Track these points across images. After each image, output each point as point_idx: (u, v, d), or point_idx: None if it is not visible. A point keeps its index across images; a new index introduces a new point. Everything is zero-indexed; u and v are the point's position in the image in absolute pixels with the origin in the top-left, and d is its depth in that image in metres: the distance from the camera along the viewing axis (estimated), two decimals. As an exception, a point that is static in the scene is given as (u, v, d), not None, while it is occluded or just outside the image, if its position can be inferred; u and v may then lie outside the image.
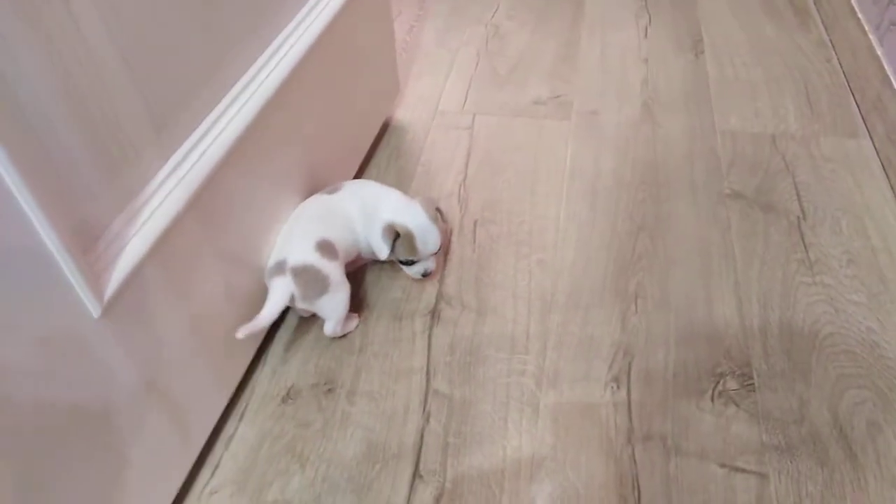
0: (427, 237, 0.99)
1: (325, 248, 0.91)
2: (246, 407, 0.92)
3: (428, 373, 0.95)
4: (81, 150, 0.60)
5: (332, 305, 0.93)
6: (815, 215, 1.15)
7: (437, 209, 1.02)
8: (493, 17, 1.71)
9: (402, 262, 1.03)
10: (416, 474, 0.84)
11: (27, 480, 0.58)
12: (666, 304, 1.02)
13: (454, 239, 1.14)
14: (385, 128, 1.37)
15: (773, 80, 1.46)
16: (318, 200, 0.99)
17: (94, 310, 0.62)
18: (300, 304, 0.91)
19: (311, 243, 0.90)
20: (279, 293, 0.87)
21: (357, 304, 1.03)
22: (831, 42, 1.55)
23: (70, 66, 0.57)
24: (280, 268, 0.88)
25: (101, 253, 0.64)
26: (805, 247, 1.10)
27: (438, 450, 0.87)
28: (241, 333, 0.82)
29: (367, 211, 0.99)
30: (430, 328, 1.01)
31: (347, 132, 1.15)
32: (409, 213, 0.98)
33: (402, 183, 1.24)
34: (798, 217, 1.15)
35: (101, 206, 0.64)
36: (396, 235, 0.97)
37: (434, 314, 1.03)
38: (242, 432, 0.89)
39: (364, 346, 0.99)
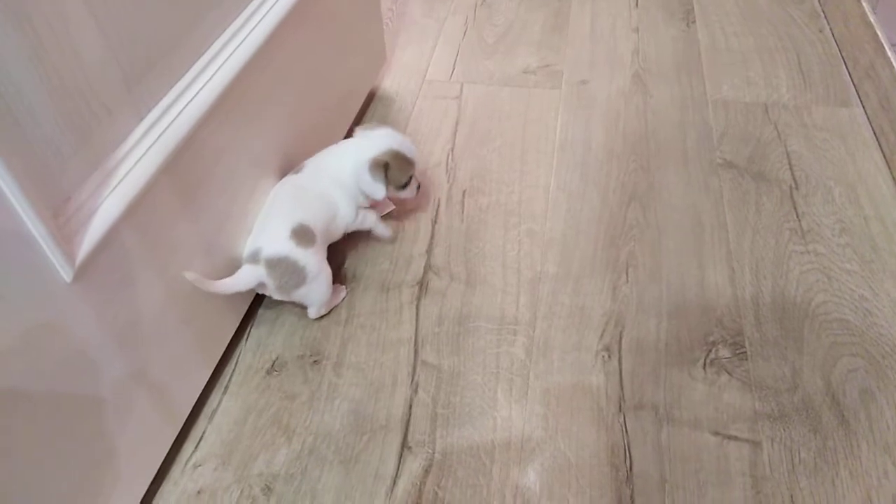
0: (407, 144, 0.97)
1: (301, 234, 0.87)
2: (230, 379, 0.90)
3: (416, 344, 0.93)
4: (48, 108, 0.57)
5: (313, 294, 0.90)
6: (807, 184, 1.14)
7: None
8: (481, -14, 1.67)
9: (402, 188, 0.99)
10: (404, 445, 0.83)
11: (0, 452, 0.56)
12: (657, 274, 1.01)
13: (442, 208, 1.12)
14: (371, 97, 1.34)
15: (765, 50, 1.43)
16: (289, 182, 0.93)
17: (66, 274, 0.59)
18: (277, 296, 0.89)
19: (286, 231, 0.86)
20: (243, 280, 0.84)
21: (343, 275, 1.01)
22: (824, 12, 1.53)
23: (32, 13, 0.53)
24: (254, 257, 0.85)
25: (72, 215, 0.61)
26: (797, 216, 1.09)
27: (427, 421, 0.85)
28: (190, 275, 0.76)
29: (341, 175, 0.94)
30: (418, 299, 0.99)
31: (332, 100, 1.12)
32: (376, 141, 0.96)
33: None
34: (790, 186, 1.13)
35: (71, 166, 0.61)
36: (386, 166, 0.93)
37: (422, 285, 1.01)
38: (227, 405, 0.87)
39: (351, 317, 0.97)
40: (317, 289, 0.89)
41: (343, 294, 0.98)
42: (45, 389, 0.60)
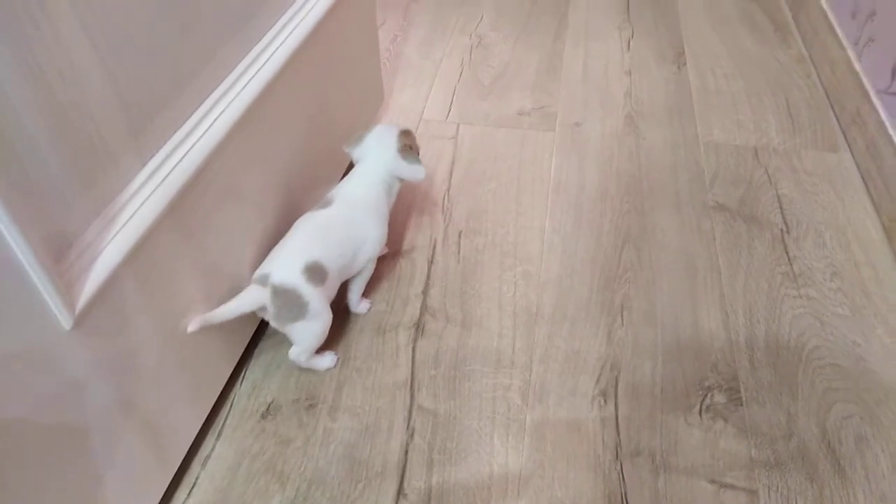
0: (401, 126, 1.03)
1: (314, 271, 0.86)
2: (224, 423, 0.89)
3: (412, 387, 0.93)
4: (53, 154, 0.57)
5: (305, 334, 0.89)
6: (798, 228, 1.15)
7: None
8: (476, 27, 1.70)
9: (416, 158, 1.02)
10: (400, 492, 0.82)
11: (-10, 504, 0.55)
12: (652, 317, 1.02)
13: (438, 248, 1.12)
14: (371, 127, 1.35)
15: (755, 94, 1.47)
16: (316, 216, 0.93)
17: (66, 321, 0.59)
18: (273, 323, 0.88)
19: (301, 264, 0.86)
20: (249, 300, 0.84)
21: (340, 315, 1.01)
22: (811, 57, 1.57)
23: (44, 65, 0.54)
24: (263, 280, 0.85)
25: (74, 261, 0.61)
26: (789, 259, 1.10)
27: (423, 467, 0.84)
28: (192, 326, 0.77)
29: (372, 191, 0.97)
30: (415, 341, 0.99)
31: (330, 140, 1.13)
32: (384, 138, 1.00)
33: (385, 193, 1.21)
34: (782, 229, 1.15)
35: (75, 212, 0.61)
36: (411, 139, 1.02)
37: (418, 327, 1.01)
38: (220, 451, 0.86)
39: (347, 359, 0.96)
40: (312, 328, 0.89)
41: (328, 363, 0.95)
42: (37, 432, 0.59)
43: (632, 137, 1.36)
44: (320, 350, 0.93)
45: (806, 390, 0.92)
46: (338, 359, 0.96)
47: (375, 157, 0.99)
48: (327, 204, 0.95)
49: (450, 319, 1.02)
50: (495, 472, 0.84)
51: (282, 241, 0.90)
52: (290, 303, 0.85)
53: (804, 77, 1.52)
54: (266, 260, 0.88)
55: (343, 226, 0.93)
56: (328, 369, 0.95)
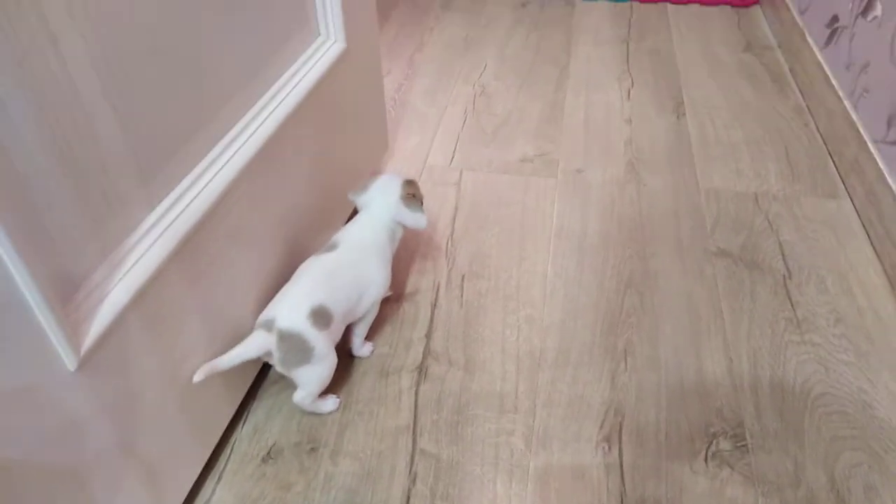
0: (405, 177, 1.05)
1: (320, 315, 0.87)
2: (225, 467, 0.88)
3: (414, 432, 0.92)
4: (64, 199, 0.58)
5: (310, 377, 0.88)
6: (800, 274, 1.16)
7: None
8: (480, 77, 1.74)
9: (420, 206, 1.04)
10: (401, 540, 0.80)
11: (-14, 547, 0.54)
12: (656, 362, 1.01)
13: (442, 292, 1.13)
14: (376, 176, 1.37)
15: (754, 142, 1.49)
16: (322, 260, 0.94)
17: (70, 362, 0.59)
18: (278, 368, 0.88)
19: (306, 309, 0.86)
20: (254, 346, 0.84)
21: (343, 358, 1.01)
22: (808, 107, 1.60)
23: (59, 114, 0.56)
24: (268, 325, 0.85)
25: (81, 303, 0.62)
26: (792, 305, 1.10)
27: (425, 514, 0.83)
28: (198, 376, 0.77)
29: (376, 235, 0.99)
30: (418, 385, 0.98)
31: (336, 186, 1.15)
32: (389, 186, 1.02)
33: (389, 237, 1.23)
34: (784, 275, 1.16)
35: (83, 254, 0.62)
36: (415, 189, 1.03)
37: (421, 370, 1.00)
38: (220, 495, 0.85)
39: (349, 403, 0.96)
40: (318, 372, 0.89)
41: (332, 406, 0.95)
42: (37, 472, 0.59)
43: (633, 184, 1.38)
44: (323, 393, 0.93)
45: (813, 437, 0.91)
46: (340, 402, 0.95)
47: (380, 203, 1.01)
48: (332, 248, 0.96)
49: (453, 363, 1.01)
50: (498, 520, 0.82)
51: (286, 286, 0.91)
52: (296, 347, 0.85)
53: (802, 126, 1.54)
54: (270, 304, 0.89)
55: (348, 269, 0.94)
56: (331, 412, 0.94)
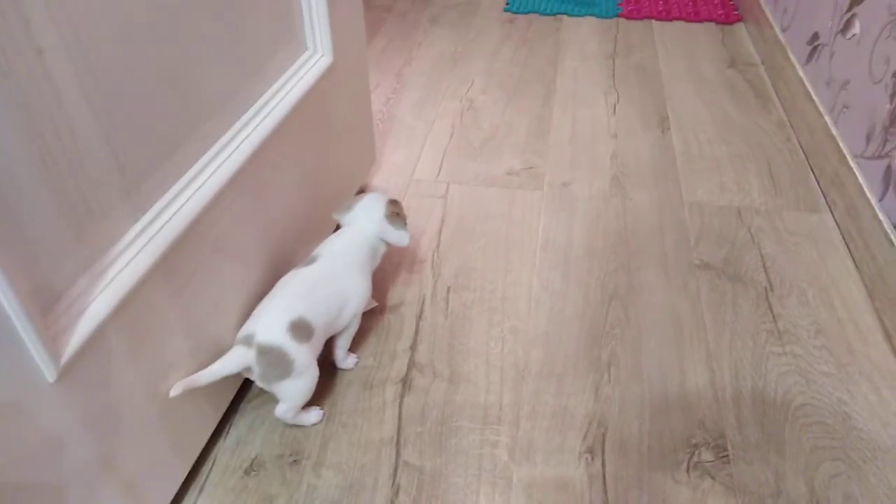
0: (389, 196, 1.06)
1: (299, 329, 0.87)
2: (206, 479, 0.88)
3: (398, 443, 0.92)
4: (46, 209, 0.59)
5: (292, 391, 0.88)
6: (781, 287, 1.17)
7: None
8: (467, 91, 1.76)
9: (404, 226, 1.05)
10: (383, 552, 0.80)
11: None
12: (639, 374, 1.02)
13: (427, 304, 1.13)
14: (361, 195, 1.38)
15: (737, 157, 1.51)
16: (300, 274, 0.94)
17: (50, 374, 0.59)
18: (259, 383, 0.88)
19: (286, 322, 0.86)
20: (233, 361, 0.84)
21: (327, 370, 1.01)
22: (790, 123, 1.63)
23: (42, 125, 0.57)
24: (247, 340, 0.85)
25: (61, 314, 0.62)
26: (774, 317, 1.11)
27: (407, 526, 0.83)
28: (175, 390, 0.77)
29: (357, 251, 1.00)
30: (401, 397, 0.98)
31: (322, 197, 1.16)
32: (373, 202, 1.04)
33: (375, 249, 1.23)
34: (766, 288, 1.17)
35: (64, 265, 0.62)
36: (398, 208, 1.04)
37: (405, 382, 1.01)
38: (201, 507, 0.85)
39: (332, 414, 0.96)
40: (299, 386, 0.89)
41: (315, 418, 0.94)
42: (14, 483, 0.58)
43: (618, 198, 1.39)
44: (306, 405, 0.93)
45: (793, 448, 0.92)
46: (323, 414, 0.95)
47: (363, 220, 1.02)
48: (312, 261, 0.97)
49: (437, 375, 1.02)
50: (480, 532, 0.82)
51: (265, 299, 0.91)
52: (276, 362, 0.85)
53: (784, 141, 1.57)
54: (250, 319, 0.89)
55: (327, 282, 0.94)
56: (314, 424, 0.94)
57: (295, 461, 0.90)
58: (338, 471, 0.89)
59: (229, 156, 0.84)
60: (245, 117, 0.89)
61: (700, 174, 1.46)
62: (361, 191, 1.39)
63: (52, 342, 0.59)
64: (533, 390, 1.00)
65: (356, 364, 1.03)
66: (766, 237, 1.28)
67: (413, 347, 1.06)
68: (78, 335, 0.62)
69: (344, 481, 0.88)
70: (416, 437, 0.93)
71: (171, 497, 0.82)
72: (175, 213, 0.75)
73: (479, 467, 0.89)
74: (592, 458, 0.91)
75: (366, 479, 0.88)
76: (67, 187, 0.60)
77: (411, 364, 1.03)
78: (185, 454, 0.85)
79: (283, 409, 0.90)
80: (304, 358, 0.87)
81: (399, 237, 1.03)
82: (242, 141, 0.86)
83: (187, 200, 0.76)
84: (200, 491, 0.86)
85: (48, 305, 0.61)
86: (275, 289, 0.92)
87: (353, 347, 1.03)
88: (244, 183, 0.86)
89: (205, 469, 0.89)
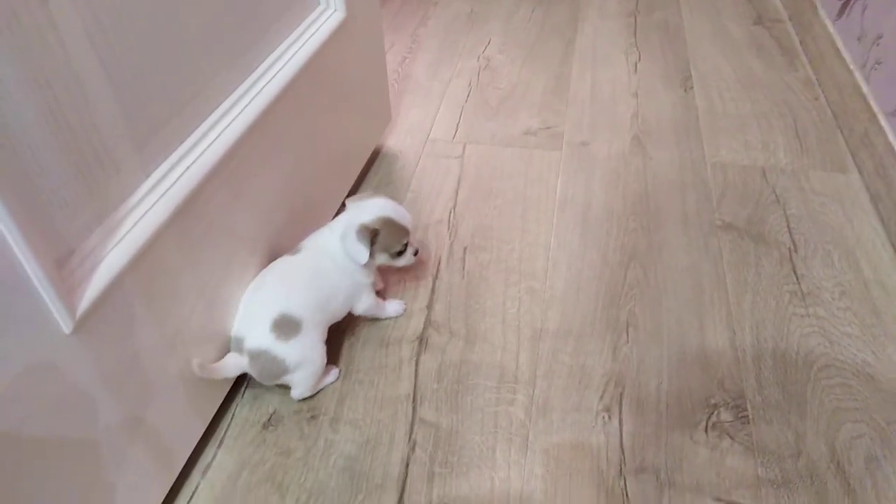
0: (400, 211, 0.95)
1: (283, 325, 0.85)
2: (225, 433, 0.89)
3: (414, 401, 0.92)
4: (58, 163, 0.58)
5: (297, 380, 0.88)
6: (806, 247, 1.14)
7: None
8: (484, 50, 1.72)
9: (396, 255, 0.95)
10: (399, 506, 0.81)
11: (-14, 505, 0.55)
12: (658, 334, 1.01)
13: (443, 265, 1.13)
14: (376, 155, 1.37)
15: (762, 115, 1.47)
16: (281, 264, 0.92)
17: (66, 325, 0.59)
18: (262, 383, 0.89)
19: (268, 322, 0.85)
20: (231, 367, 0.85)
21: (343, 329, 1.01)
22: (818, 80, 1.57)
23: (50, 76, 0.56)
24: (238, 345, 0.86)
25: (76, 267, 0.62)
26: (797, 278, 1.09)
27: (424, 480, 0.83)
28: (196, 362, 0.78)
29: (336, 251, 0.92)
30: (418, 355, 0.98)
31: (337, 157, 1.15)
32: (368, 209, 0.93)
33: (391, 210, 1.22)
34: (789, 249, 1.14)
35: (78, 219, 0.62)
36: (374, 233, 0.91)
37: (422, 341, 1.00)
38: (221, 459, 0.86)
39: (349, 372, 0.96)
40: (301, 376, 0.88)
41: (331, 378, 0.94)
42: (39, 435, 0.59)
43: (639, 157, 1.36)
44: (322, 365, 0.93)
45: (815, 409, 0.90)
46: (340, 373, 0.96)
47: (348, 217, 0.94)
48: (297, 251, 0.94)
49: (454, 334, 1.01)
50: (497, 487, 0.83)
51: (249, 293, 0.89)
52: (269, 364, 0.86)
53: (812, 100, 1.52)
54: (237, 320, 0.88)
55: (308, 272, 0.91)
56: (331, 383, 0.94)
57: (312, 416, 0.90)
58: (355, 426, 0.89)
59: (241, 111, 0.82)
60: (257, 72, 0.88)
61: (724, 133, 1.42)
62: (377, 153, 1.38)
63: (67, 294, 0.59)
64: (550, 350, 0.99)
65: (405, 310, 1.05)
66: (792, 197, 1.25)
67: (429, 306, 1.06)
68: (93, 288, 0.62)
69: (361, 437, 0.88)
70: (432, 395, 0.93)
71: (191, 448, 0.83)
72: (188, 168, 0.74)
73: (495, 425, 0.89)
74: (609, 417, 0.90)
75: (382, 435, 0.88)
76: (77, 138, 0.60)
77: (427, 323, 1.03)
78: (204, 407, 0.85)
79: (297, 394, 0.91)
80: (297, 353, 0.86)
81: (353, 253, 0.90)
82: (255, 96, 0.85)
83: (200, 156, 0.76)
84: (220, 444, 0.87)
85: (63, 258, 0.61)
86: (256, 282, 0.90)
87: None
88: (256, 139, 0.85)
89: (224, 423, 0.90)
